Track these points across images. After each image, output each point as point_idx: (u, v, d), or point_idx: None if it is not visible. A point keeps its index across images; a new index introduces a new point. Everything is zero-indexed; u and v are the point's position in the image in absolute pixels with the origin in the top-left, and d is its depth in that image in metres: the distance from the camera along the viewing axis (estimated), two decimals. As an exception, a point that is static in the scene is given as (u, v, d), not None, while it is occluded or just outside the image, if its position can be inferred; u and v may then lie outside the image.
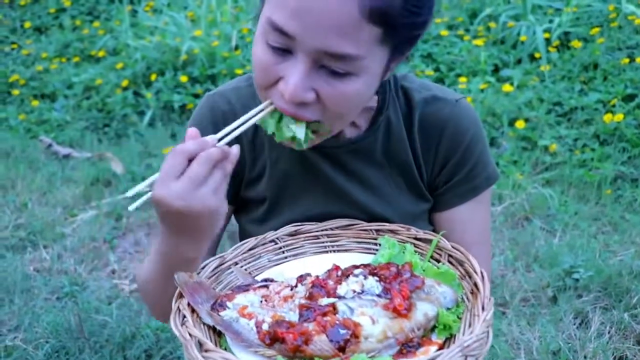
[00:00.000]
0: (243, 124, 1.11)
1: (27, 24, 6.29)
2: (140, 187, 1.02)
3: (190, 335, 0.97)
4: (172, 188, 0.98)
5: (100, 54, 5.45)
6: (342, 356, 0.95)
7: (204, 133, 1.09)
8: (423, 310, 1.01)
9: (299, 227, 1.28)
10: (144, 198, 1.00)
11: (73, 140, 4.58)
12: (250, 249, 1.24)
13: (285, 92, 1.05)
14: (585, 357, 2.32)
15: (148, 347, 2.48)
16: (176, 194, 0.98)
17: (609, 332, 2.43)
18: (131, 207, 1.01)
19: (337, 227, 1.28)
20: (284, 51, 1.05)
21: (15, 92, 5.22)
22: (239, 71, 4.56)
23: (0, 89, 5.37)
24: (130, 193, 1.01)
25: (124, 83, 4.87)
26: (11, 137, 4.63)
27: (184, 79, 4.72)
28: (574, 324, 2.50)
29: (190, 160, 1.00)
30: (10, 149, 4.41)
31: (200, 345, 0.95)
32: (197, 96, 4.64)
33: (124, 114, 4.73)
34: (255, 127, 1.28)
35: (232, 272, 1.19)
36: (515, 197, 3.40)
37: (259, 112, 1.12)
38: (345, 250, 1.26)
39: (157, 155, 4.16)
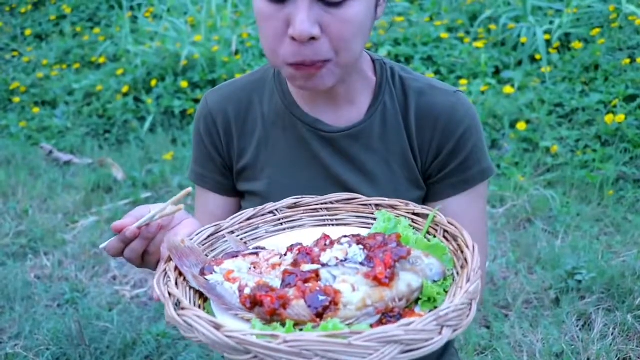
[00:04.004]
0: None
1: (28, 31, 6.31)
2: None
3: (169, 294, 0.97)
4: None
5: (101, 60, 5.45)
6: (318, 321, 0.93)
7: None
8: (406, 281, 0.98)
9: (298, 200, 1.26)
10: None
11: (74, 146, 4.58)
12: (248, 219, 1.23)
13: (295, 32, 1.10)
14: (588, 359, 2.30)
15: (149, 353, 2.47)
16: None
17: (612, 334, 2.41)
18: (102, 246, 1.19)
19: (337, 201, 1.26)
20: (282, 1, 1.11)
21: (16, 99, 5.23)
22: (239, 76, 4.55)
23: (1, 97, 5.38)
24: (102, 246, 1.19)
25: (125, 89, 4.87)
26: (12, 144, 4.63)
27: (184, 84, 4.71)
28: (577, 326, 2.48)
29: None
30: (11, 156, 4.42)
31: (178, 304, 0.95)
32: (197, 101, 4.64)
33: (124, 120, 4.73)
34: (247, 113, 1.36)
35: (227, 240, 1.18)
36: (517, 199, 3.39)
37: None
38: (344, 224, 1.24)
39: (158, 161, 4.16)
